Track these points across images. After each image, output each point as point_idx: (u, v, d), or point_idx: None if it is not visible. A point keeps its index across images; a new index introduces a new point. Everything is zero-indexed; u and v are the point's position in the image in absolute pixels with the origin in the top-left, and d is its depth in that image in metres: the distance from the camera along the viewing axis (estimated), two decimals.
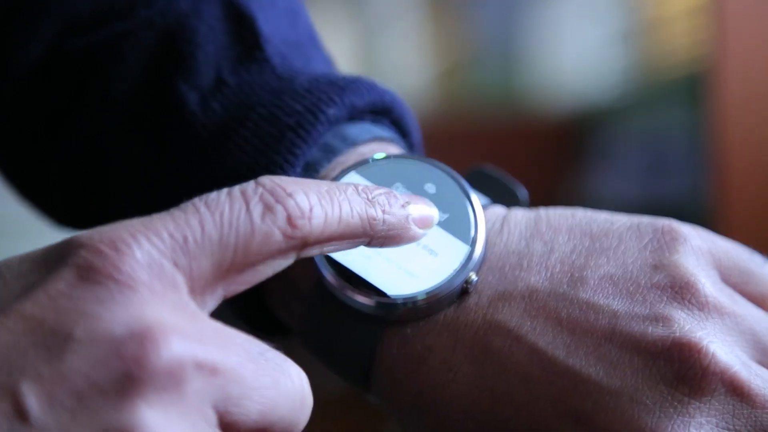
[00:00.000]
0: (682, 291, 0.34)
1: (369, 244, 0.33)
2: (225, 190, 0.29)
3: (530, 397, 0.34)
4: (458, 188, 0.37)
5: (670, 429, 0.33)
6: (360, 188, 0.33)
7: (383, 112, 0.40)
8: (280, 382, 0.28)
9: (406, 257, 0.36)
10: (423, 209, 0.35)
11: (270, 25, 0.40)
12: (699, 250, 0.36)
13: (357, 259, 0.36)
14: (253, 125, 0.38)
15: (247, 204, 0.29)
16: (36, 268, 0.27)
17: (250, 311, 0.40)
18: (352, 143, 0.39)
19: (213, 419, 0.27)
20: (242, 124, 0.38)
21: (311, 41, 0.43)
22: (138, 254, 0.27)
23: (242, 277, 0.30)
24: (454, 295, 0.36)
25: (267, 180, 0.30)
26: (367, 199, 0.32)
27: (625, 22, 2.19)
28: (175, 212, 0.29)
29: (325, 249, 0.32)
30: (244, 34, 0.40)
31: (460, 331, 0.35)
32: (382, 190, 0.33)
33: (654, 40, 2.06)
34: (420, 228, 0.34)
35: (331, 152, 0.38)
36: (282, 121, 0.38)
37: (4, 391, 0.25)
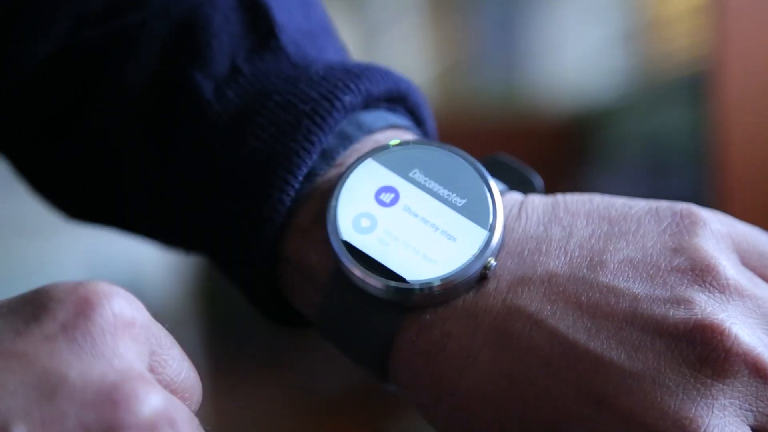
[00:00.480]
0: (702, 274, 0.34)
1: None
2: None
3: (551, 381, 0.34)
4: (476, 174, 0.37)
5: (693, 411, 0.32)
6: None
7: (399, 100, 0.40)
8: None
9: (425, 242, 0.36)
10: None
11: (284, 13, 0.40)
12: (719, 233, 0.35)
13: (375, 245, 0.36)
14: (269, 113, 0.38)
15: None
16: (15, 314, 0.28)
17: (267, 301, 0.40)
18: (368, 130, 0.39)
19: None
20: (258, 113, 0.38)
21: (325, 30, 0.43)
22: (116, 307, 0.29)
23: None
24: (473, 280, 0.35)
25: None
26: None
27: (626, 22, 2.19)
28: None
29: None
30: (259, 23, 0.40)
31: (480, 317, 0.35)
32: None
33: (655, 41, 2.06)
34: None
35: (347, 139, 0.38)
36: (298, 109, 0.38)
37: None
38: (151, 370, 0.30)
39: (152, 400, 0.28)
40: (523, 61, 2.27)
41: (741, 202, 1.54)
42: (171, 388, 0.31)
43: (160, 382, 0.30)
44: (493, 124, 2.06)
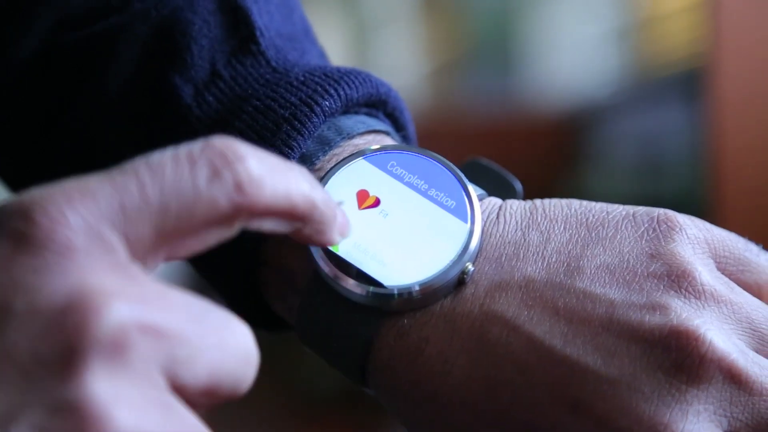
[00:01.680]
0: (678, 279, 0.34)
1: (295, 234, 0.32)
2: (171, 151, 0.28)
3: (528, 386, 0.34)
4: (455, 179, 0.37)
5: (668, 417, 0.33)
6: (305, 171, 0.32)
7: (378, 105, 0.41)
8: (225, 340, 0.27)
9: (403, 248, 0.36)
10: (345, 218, 0.34)
11: (264, 17, 0.40)
12: (695, 239, 0.36)
13: (353, 250, 0.36)
14: (248, 118, 0.38)
15: (193, 167, 0.28)
16: None
17: (247, 305, 0.40)
18: (348, 135, 0.39)
19: (162, 383, 0.26)
20: (237, 117, 0.38)
21: (306, 34, 0.43)
22: (72, 221, 0.26)
23: (185, 243, 0.28)
24: (451, 285, 0.36)
25: (218, 140, 0.29)
26: (311, 183, 0.31)
27: (621, 20, 2.19)
28: (115, 174, 0.27)
29: (267, 224, 0.30)
30: (239, 27, 0.40)
31: (457, 322, 0.35)
32: (319, 183, 0.32)
33: (649, 39, 2.06)
34: (339, 234, 0.34)
35: (326, 144, 0.38)
36: (278, 113, 0.38)
37: None
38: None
39: (114, 311, 0.25)
40: (517, 59, 2.27)
41: (736, 200, 1.54)
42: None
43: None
44: (486, 122, 2.06)
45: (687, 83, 1.81)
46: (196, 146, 0.28)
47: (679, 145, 1.83)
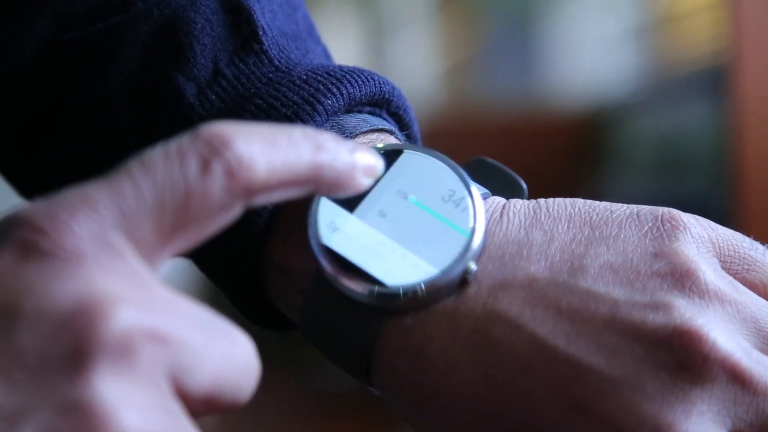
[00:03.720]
0: (682, 278, 0.34)
1: (316, 192, 0.33)
2: (161, 147, 0.28)
3: (531, 386, 0.34)
4: (458, 178, 0.37)
5: (671, 417, 0.32)
6: (308, 133, 0.31)
7: (382, 103, 0.40)
8: (229, 350, 0.28)
9: (405, 247, 0.36)
10: (369, 158, 0.34)
11: (267, 16, 0.40)
12: (699, 238, 0.35)
13: (356, 249, 0.36)
14: (250, 116, 0.38)
15: (183, 161, 0.28)
16: None
17: (251, 304, 0.40)
18: (351, 134, 0.39)
19: (167, 389, 0.26)
20: (240, 116, 0.38)
21: (309, 33, 0.43)
22: (78, 229, 0.27)
23: (188, 235, 0.29)
24: (454, 284, 0.35)
25: (205, 129, 0.29)
26: (315, 145, 0.31)
27: (641, 17, 2.18)
28: (111, 177, 0.28)
29: (274, 196, 0.30)
30: (241, 26, 0.40)
31: (460, 321, 0.35)
32: (329, 135, 0.32)
33: (670, 36, 2.05)
34: (365, 176, 0.33)
35: None
36: (280, 112, 0.38)
37: None
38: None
39: (121, 315, 0.25)
40: (535, 57, 2.26)
41: (758, 200, 1.53)
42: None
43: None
44: (504, 122, 2.05)
45: (708, 81, 1.80)
46: (184, 139, 0.29)
47: (699, 144, 1.82)
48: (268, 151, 0.30)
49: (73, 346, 0.25)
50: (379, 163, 0.34)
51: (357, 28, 2.37)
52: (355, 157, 0.33)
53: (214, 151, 0.28)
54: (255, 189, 0.29)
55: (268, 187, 0.30)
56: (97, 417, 0.25)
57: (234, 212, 0.29)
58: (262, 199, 0.30)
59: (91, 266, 0.26)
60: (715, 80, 1.77)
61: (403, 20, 2.34)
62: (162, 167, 0.28)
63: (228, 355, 0.28)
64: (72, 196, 0.27)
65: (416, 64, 2.29)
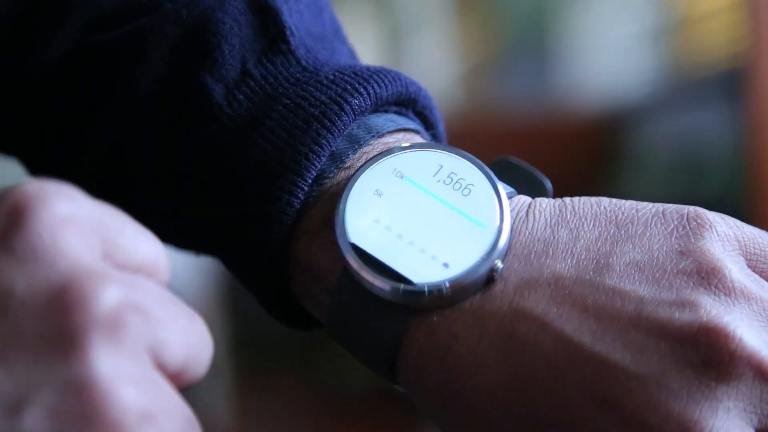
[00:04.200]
0: (708, 276, 0.34)
1: None
2: None
3: (557, 383, 0.34)
4: (484, 176, 0.38)
5: (697, 413, 0.32)
6: None
7: (408, 103, 0.41)
8: (192, 324, 0.29)
9: (432, 245, 0.36)
10: None
11: (294, 17, 0.41)
12: (725, 236, 0.36)
13: (383, 247, 0.36)
14: (278, 116, 0.38)
15: None
16: None
17: (277, 303, 0.40)
18: (378, 133, 0.39)
19: (149, 362, 0.27)
20: (268, 116, 0.38)
21: (335, 34, 0.43)
22: (63, 211, 0.27)
23: None
24: (480, 282, 0.36)
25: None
26: None
27: (658, 19, 2.17)
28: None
29: None
30: (269, 27, 0.40)
31: (486, 319, 0.35)
32: None
33: (687, 38, 2.04)
34: None
35: (356, 142, 0.39)
36: (308, 112, 0.38)
37: None
38: (106, 257, 0.28)
39: (108, 292, 0.26)
40: (552, 59, 2.26)
41: None
42: (131, 268, 0.29)
43: (118, 266, 0.28)
44: (521, 123, 2.05)
45: (725, 84, 1.79)
46: None
47: (716, 147, 1.81)
48: None
49: (67, 323, 0.26)
50: None
51: (374, 30, 2.37)
52: None
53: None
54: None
55: None
56: (99, 393, 0.25)
57: None
58: None
59: (77, 246, 0.27)
60: (732, 83, 1.76)
61: (419, 22, 2.34)
62: None
63: (192, 330, 0.29)
64: (57, 183, 0.28)
65: (433, 67, 2.29)
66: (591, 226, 0.36)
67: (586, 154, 1.97)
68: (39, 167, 0.45)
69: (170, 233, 0.42)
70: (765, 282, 0.35)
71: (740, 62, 1.76)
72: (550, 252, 0.36)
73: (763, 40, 1.68)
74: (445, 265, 0.36)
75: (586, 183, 1.84)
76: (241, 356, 2.17)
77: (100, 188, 0.43)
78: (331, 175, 0.38)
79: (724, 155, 1.80)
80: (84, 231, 0.28)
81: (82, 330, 0.26)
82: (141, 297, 0.27)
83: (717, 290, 0.34)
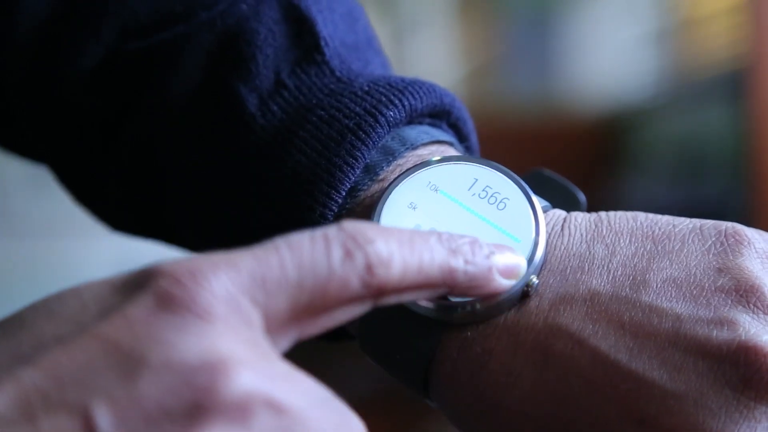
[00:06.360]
0: (746, 294, 0.34)
1: (450, 293, 0.34)
2: (307, 233, 0.30)
3: (593, 401, 0.34)
4: (519, 190, 0.37)
5: None
6: (443, 237, 0.32)
7: (442, 115, 0.41)
8: (341, 430, 0.28)
9: None
10: (509, 258, 0.35)
11: (329, 27, 0.40)
12: (764, 253, 0.35)
13: None
14: (312, 127, 0.38)
15: (328, 248, 0.29)
16: (115, 292, 0.28)
17: None
18: (412, 146, 0.39)
19: None
20: (302, 127, 0.38)
21: (369, 44, 0.43)
22: (216, 287, 0.28)
23: (317, 321, 0.30)
24: (515, 298, 0.35)
25: (349, 224, 0.30)
26: (450, 249, 0.32)
27: (660, 21, 2.17)
28: (257, 250, 0.29)
29: (403, 298, 0.32)
30: (304, 37, 0.40)
31: (521, 335, 0.35)
32: (466, 239, 0.33)
33: (689, 40, 2.04)
34: (505, 278, 0.34)
35: (390, 155, 0.38)
36: (342, 123, 0.38)
37: (76, 408, 0.25)
38: (273, 320, 0.29)
39: (240, 380, 0.26)
40: (555, 61, 2.26)
41: None
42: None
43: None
44: (524, 125, 2.05)
45: (727, 85, 1.79)
46: (331, 229, 0.30)
47: (719, 147, 1.81)
48: (405, 254, 0.31)
49: (193, 401, 0.26)
50: (521, 263, 0.35)
51: (377, 31, 2.37)
52: (493, 260, 0.34)
53: (357, 245, 0.30)
54: (388, 288, 0.30)
55: (399, 289, 0.31)
56: None
57: (363, 308, 0.30)
58: (392, 299, 0.31)
59: (220, 327, 0.27)
60: (734, 84, 1.76)
61: (422, 23, 2.34)
62: (308, 249, 0.29)
63: None
64: (217, 257, 0.28)
65: (436, 67, 2.29)
66: (627, 241, 0.36)
67: (589, 154, 1.97)
68: (70, 175, 0.45)
69: (201, 242, 0.42)
70: None
71: (742, 64, 1.76)
72: (586, 268, 0.36)
73: (765, 42, 1.68)
74: None
75: (589, 183, 1.84)
76: None
77: (132, 194, 0.42)
78: (365, 187, 0.38)
79: (725, 156, 1.80)
80: (243, 310, 0.28)
81: (206, 409, 0.26)
82: (281, 392, 0.27)
83: (756, 308, 0.34)
